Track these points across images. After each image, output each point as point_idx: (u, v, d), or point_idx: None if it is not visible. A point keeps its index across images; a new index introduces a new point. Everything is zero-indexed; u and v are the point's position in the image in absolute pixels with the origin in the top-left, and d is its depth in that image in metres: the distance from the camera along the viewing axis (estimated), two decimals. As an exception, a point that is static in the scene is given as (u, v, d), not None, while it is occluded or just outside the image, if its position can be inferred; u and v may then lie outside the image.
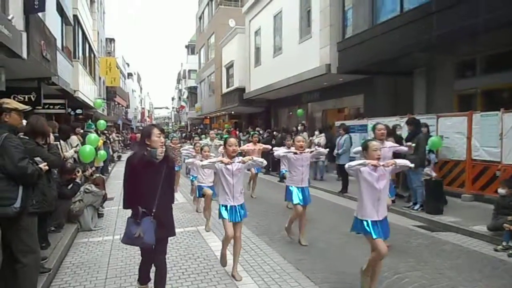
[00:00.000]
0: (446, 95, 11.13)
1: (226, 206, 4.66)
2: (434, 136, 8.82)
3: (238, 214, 4.68)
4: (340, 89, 16.02)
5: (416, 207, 8.07)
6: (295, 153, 5.96)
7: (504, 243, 5.69)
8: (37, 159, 4.00)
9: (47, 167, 4.08)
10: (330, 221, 7.63)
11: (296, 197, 5.98)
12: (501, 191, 6.32)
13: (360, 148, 4.52)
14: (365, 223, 3.99)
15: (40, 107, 9.73)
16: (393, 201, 8.65)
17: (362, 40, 11.82)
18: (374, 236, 3.92)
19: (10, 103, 3.94)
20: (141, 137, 3.73)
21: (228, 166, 4.60)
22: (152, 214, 3.52)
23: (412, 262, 5.28)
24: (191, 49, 50.39)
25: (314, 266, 5.09)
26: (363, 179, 4.01)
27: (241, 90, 24.34)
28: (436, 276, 4.75)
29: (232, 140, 4.77)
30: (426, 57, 11.13)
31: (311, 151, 6.20)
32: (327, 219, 7.84)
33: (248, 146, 10.17)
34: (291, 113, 21.77)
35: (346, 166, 4.15)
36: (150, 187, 3.57)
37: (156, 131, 3.63)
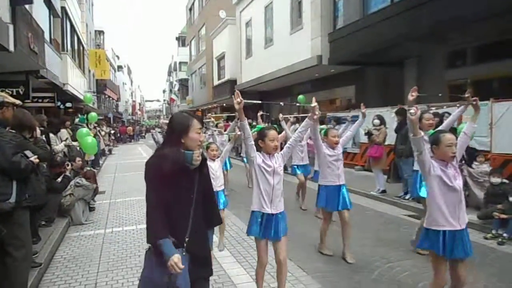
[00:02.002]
0: (436, 85, 11.17)
1: (261, 217, 3.56)
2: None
3: (277, 227, 3.55)
4: (331, 80, 16.03)
5: (407, 197, 8.13)
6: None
7: (494, 231, 5.76)
8: (27, 152, 3.96)
9: (38, 160, 4.04)
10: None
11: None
12: (495, 180, 6.38)
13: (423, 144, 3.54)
14: (442, 236, 3.14)
15: (29, 101, 9.59)
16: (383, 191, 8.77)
17: (353, 30, 11.80)
18: (441, 254, 3.14)
19: (8, 97, 3.93)
20: (171, 132, 2.49)
21: (269, 162, 3.59)
22: (185, 245, 2.38)
23: (403, 251, 5.32)
24: (181, 41, 50.01)
25: (306, 256, 5.11)
26: (437, 179, 3.18)
27: (233, 82, 24.24)
28: (427, 265, 4.75)
29: (273, 133, 3.62)
30: (417, 47, 11.16)
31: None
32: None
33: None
34: (282, 103, 21.73)
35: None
36: (182, 205, 2.44)
37: (196, 124, 2.46)
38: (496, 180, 6.35)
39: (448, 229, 3.13)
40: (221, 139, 9.21)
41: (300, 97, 14.94)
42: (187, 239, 2.39)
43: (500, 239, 5.58)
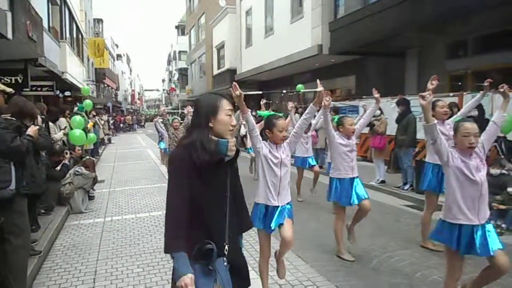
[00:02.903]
0: (438, 75, 11.00)
1: (265, 209, 3.40)
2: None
3: (280, 216, 3.39)
4: (332, 70, 15.96)
5: (406, 187, 8.15)
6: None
7: (492, 222, 5.77)
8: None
9: (36, 130, 4.00)
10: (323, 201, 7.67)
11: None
12: (494, 171, 6.37)
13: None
14: (457, 230, 3.02)
15: (28, 89, 9.55)
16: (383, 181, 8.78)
17: (354, 20, 11.71)
18: (455, 249, 3.02)
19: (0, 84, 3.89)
20: (197, 116, 2.10)
21: (276, 154, 3.39)
22: (226, 252, 2.04)
23: (401, 240, 5.35)
24: (181, 29, 49.65)
25: (305, 245, 5.13)
26: (456, 170, 3.04)
27: (233, 71, 24.13)
28: (426, 254, 4.82)
29: (282, 122, 3.41)
30: (418, 37, 11.09)
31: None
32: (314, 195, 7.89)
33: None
34: (282, 93, 21.67)
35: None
36: (216, 206, 2.07)
37: (226, 104, 2.08)
38: (495, 171, 6.35)
39: (465, 223, 2.98)
40: None
41: (299, 86, 14.58)
42: (226, 246, 2.02)
43: (498, 230, 5.60)
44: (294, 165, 8.15)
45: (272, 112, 5.67)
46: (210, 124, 2.04)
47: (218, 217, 2.06)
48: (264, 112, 5.92)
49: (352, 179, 4.66)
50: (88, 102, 12.56)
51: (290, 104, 6.39)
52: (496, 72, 9.85)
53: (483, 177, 3.01)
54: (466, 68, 10.51)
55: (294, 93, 14.32)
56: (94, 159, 10.64)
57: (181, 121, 9.06)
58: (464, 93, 9.09)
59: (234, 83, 3.14)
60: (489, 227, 3.05)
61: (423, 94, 2.97)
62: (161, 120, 11.04)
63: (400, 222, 6.34)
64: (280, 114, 4.13)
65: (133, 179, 10.46)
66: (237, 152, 2.14)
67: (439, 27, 9.77)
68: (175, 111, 16.34)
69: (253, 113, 19.87)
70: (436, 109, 4.84)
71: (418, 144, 8.86)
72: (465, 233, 2.98)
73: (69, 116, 9.46)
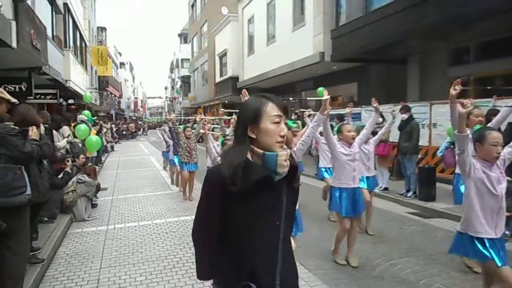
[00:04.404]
0: (439, 82, 11.13)
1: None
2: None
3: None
4: (334, 77, 15.98)
5: (409, 194, 8.13)
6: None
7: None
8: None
9: (36, 132, 4.07)
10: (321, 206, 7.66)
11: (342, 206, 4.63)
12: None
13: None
14: (478, 243, 2.94)
15: (31, 97, 9.61)
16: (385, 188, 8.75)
17: (356, 27, 11.75)
18: (499, 264, 2.87)
19: (5, 93, 3.94)
20: (237, 124, 1.71)
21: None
22: None
23: (405, 248, 5.32)
24: (184, 37, 49.98)
25: (308, 254, 5.11)
26: (477, 181, 2.96)
27: (235, 79, 24.22)
28: (429, 262, 4.79)
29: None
30: (419, 44, 11.12)
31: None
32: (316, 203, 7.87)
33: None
34: (291, 98, 21.67)
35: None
36: (263, 237, 1.67)
37: (271, 109, 1.64)
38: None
39: (484, 236, 2.91)
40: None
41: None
42: (278, 285, 1.65)
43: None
44: (318, 177, 7.70)
45: (292, 121, 5.72)
46: (252, 135, 1.63)
47: (264, 251, 1.66)
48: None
49: (354, 189, 4.65)
50: (86, 112, 12.65)
51: (307, 112, 6.33)
52: (498, 78, 9.87)
53: (503, 189, 2.95)
54: (468, 74, 10.51)
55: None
56: (96, 166, 10.67)
57: (193, 130, 8.67)
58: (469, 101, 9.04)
59: (244, 90, 3.13)
60: (504, 241, 3.03)
61: (463, 101, 2.85)
62: (168, 128, 10.68)
63: (403, 229, 6.32)
64: (298, 122, 4.30)
65: (136, 186, 10.47)
66: (294, 168, 1.69)
67: (440, 34, 9.80)
68: (187, 118, 15.80)
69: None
70: (470, 117, 4.65)
71: (420, 151, 8.86)
72: (490, 245, 2.91)
73: (73, 124, 9.52)
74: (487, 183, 2.92)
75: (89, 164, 9.12)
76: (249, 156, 1.64)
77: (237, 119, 1.73)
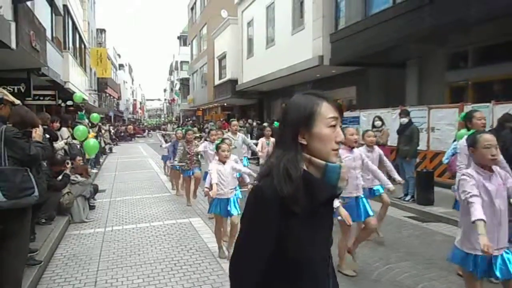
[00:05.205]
0: (437, 87, 11.17)
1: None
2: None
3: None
4: (333, 81, 16.02)
5: (407, 198, 8.13)
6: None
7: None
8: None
9: (40, 133, 4.11)
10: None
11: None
12: None
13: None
14: (471, 258, 2.81)
15: (30, 98, 9.60)
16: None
17: (354, 31, 11.79)
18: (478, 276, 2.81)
19: (8, 95, 3.97)
20: (283, 127, 1.44)
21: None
22: None
23: (403, 252, 5.32)
24: (183, 40, 50.06)
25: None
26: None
27: (234, 81, 24.24)
28: (427, 266, 4.80)
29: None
30: (418, 48, 11.15)
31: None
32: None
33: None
34: (283, 104, 21.68)
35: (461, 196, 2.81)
36: (315, 263, 1.43)
37: (326, 110, 1.39)
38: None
39: (482, 255, 2.64)
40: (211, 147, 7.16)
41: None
42: None
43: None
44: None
45: None
46: (302, 141, 1.38)
47: (316, 279, 1.44)
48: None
49: (357, 199, 4.56)
50: (95, 115, 12.73)
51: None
52: (497, 83, 9.90)
53: (503, 204, 2.75)
54: (466, 79, 10.55)
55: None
56: (88, 166, 10.61)
57: (201, 134, 8.32)
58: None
59: None
60: (508, 256, 2.80)
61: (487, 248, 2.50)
62: (168, 132, 10.44)
63: (401, 233, 6.32)
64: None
65: (134, 188, 10.46)
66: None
67: (439, 38, 9.84)
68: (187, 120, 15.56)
69: (254, 123, 19.92)
70: (473, 120, 4.54)
71: (418, 155, 8.87)
72: (482, 262, 2.76)
73: (71, 126, 9.51)
74: (484, 195, 2.73)
75: (81, 163, 8.99)
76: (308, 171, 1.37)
77: (283, 121, 1.45)
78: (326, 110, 1.38)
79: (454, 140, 6.48)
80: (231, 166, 4.99)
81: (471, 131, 4.20)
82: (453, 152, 5.95)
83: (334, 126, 1.38)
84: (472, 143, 2.86)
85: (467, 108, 8.82)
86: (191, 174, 8.24)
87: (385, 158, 5.52)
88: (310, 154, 1.38)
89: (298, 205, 1.29)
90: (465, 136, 4.35)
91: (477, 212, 2.59)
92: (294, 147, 1.37)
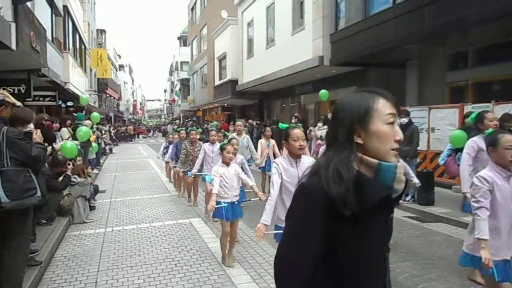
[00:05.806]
0: (438, 87, 11.17)
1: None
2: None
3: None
4: (333, 81, 16.02)
5: (407, 198, 8.13)
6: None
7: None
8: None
9: (40, 135, 4.14)
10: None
11: None
12: None
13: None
14: (498, 264, 2.68)
15: (30, 99, 9.62)
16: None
17: (355, 32, 11.79)
18: (498, 278, 2.67)
19: (10, 97, 3.97)
20: (336, 125, 1.36)
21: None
22: None
23: (403, 252, 5.32)
24: (183, 40, 50.08)
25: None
26: (493, 196, 2.69)
27: (234, 82, 24.23)
28: (427, 267, 4.80)
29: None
30: (418, 49, 11.15)
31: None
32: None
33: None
34: (283, 105, 21.75)
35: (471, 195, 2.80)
36: (371, 271, 1.37)
37: (384, 106, 1.33)
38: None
39: (495, 259, 2.58)
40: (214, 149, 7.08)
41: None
42: None
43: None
44: None
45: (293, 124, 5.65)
46: (358, 140, 1.31)
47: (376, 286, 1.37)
48: (284, 125, 5.88)
49: None
50: (95, 115, 12.70)
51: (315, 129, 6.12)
52: (497, 83, 9.90)
53: None
54: (466, 79, 10.55)
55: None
56: (84, 166, 10.58)
57: (202, 135, 8.17)
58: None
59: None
60: None
61: (488, 261, 2.54)
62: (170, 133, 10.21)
63: (401, 233, 6.32)
64: (300, 125, 4.02)
65: (134, 189, 10.46)
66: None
67: (439, 38, 9.84)
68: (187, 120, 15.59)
69: (254, 123, 19.91)
70: (484, 121, 4.45)
71: (419, 155, 8.87)
72: (499, 267, 2.65)
73: (71, 126, 9.51)
74: (498, 195, 2.62)
75: (79, 163, 8.98)
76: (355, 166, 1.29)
77: (335, 119, 1.37)
78: (384, 107, 1.31)
79: None
80: (236, 169, 4.87)
81: (471, 132, 4.19)
82: (449, 153, 5.95)
83: (392, 123, 1.31)
84: (493, 142, 2.79)
85: (467, 108, 8.82)
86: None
87: None
88: (366, 154, 1.30)
89: (348, 207, 1.22)
90: (477, 137, 4.37)
91: (482, 230, 2.59)
92: (349, 147, 1.29)
